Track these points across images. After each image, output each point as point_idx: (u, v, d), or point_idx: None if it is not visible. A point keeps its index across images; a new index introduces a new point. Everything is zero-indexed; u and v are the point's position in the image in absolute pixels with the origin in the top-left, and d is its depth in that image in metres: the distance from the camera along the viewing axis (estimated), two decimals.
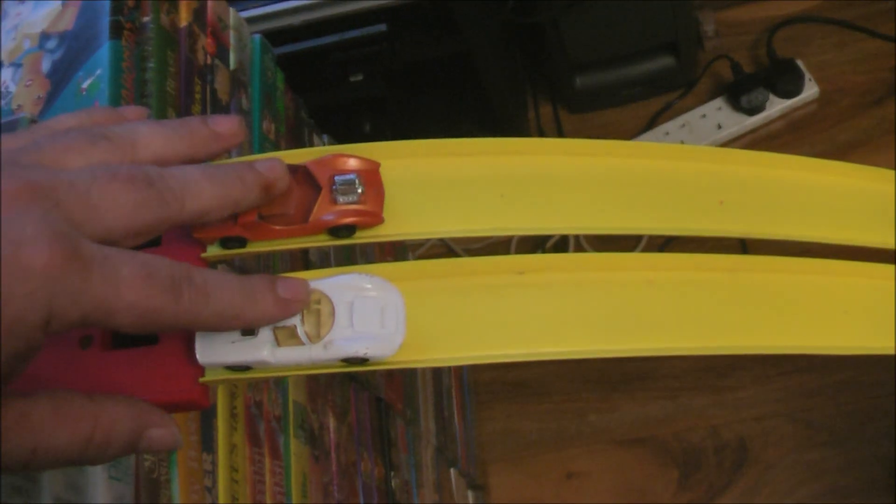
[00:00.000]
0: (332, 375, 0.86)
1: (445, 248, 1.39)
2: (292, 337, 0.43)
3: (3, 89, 0.67)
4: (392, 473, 0.96)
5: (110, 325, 0.37)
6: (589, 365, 1.34)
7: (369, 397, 0.95)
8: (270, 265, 0.76)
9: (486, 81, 1.26)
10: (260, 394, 0.71)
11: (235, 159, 0.46)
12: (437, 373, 1.20)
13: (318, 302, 0.43)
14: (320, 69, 1.13)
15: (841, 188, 0.54)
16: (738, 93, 1.34)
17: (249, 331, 0.43)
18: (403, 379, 1.06)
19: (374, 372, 0.96)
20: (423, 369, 1.14)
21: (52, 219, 0.36)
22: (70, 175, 0.38)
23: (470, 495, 1.25)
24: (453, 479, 1.19)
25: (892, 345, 0.50)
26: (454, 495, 1.18)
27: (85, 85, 0.64)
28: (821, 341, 0.49)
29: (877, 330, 0.50)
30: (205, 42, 0.74)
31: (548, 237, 1.37)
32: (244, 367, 0.43)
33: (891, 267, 0.51)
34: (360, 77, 1.16)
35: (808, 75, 1.35)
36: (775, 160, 0.53)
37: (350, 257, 0.95)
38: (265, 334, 0.43)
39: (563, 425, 1.33)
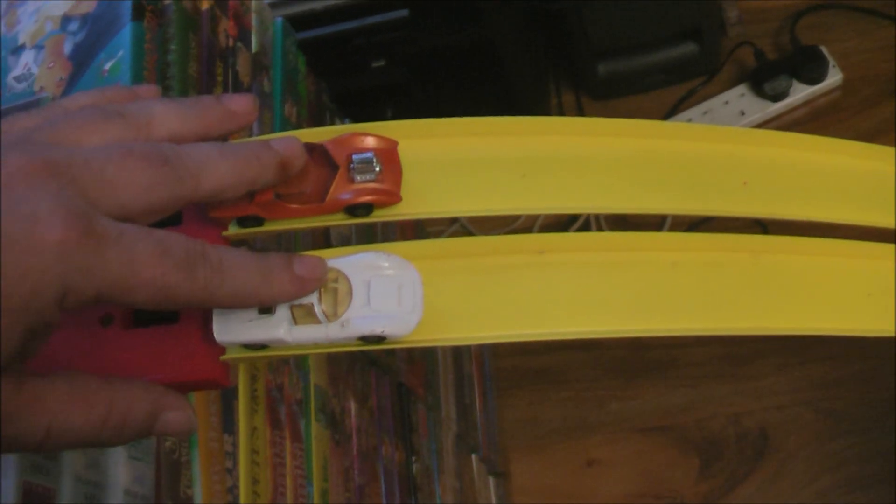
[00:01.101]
0: (353, 360, 0.86)
1: (467, 234, 1.38)
2: (309, 315, 0.43)
3: (25, 71, 0.67)
4: (413, 458, 0.96)
5: (126, 301, 0.37)
6: (610, 353, 1.34)
7: (390, 382, 0.95)
8: (291, 247, 0.76)
9: (508, 68, 1.26)
10: (281, 377, 0.71)
11: (252, 138, 0.46)
12: (459, 359, 1.20)
13: (336, 280, 0.43)
14: (342, 55, 1.13)
15: (866, 170, 0.53)
16: (762, 79, 1.34)
17: (267, 309, 0.43)
18: (425, 365, 1.06)
19: (394, 357, 0.97)
20: (444, 355, 1.14)
21: (68, 195, 0.36)
22: (85, 152, 0.38)
23: (491, 482, 1.24)
24: (474, 466, 1.19)
25: None
26: (475, 481, 1.18)
27: (107, 67, 0.64)
28: (843, 324, 0.49)
29: None
30: (227, 25, 0.74)
31: (571, 222, 1.37)
32: (261, 346, 0.43)
33: None
34: (382, 63, 1.16)
35: (832, 62, 1.34)
36: (800, 141, 0.53)
37: (371, 240, 0.95)
38: (282, 313, 0.43)
39: (584, 413, 1.33)
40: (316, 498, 0.72)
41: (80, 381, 0.39)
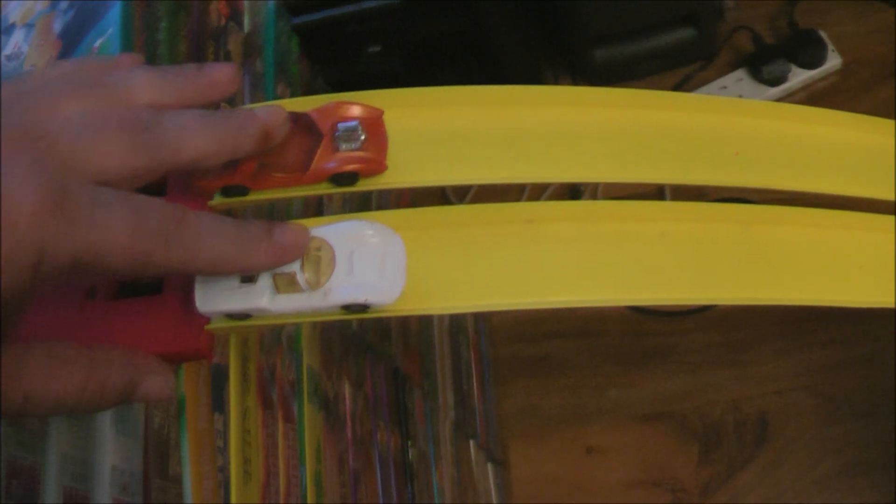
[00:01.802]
0: (348, 345, 0.85)
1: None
2: (292, 284, 0.42)
3: (15, 50, 0.66)
4: (409, 445, 0.96)
5: (102, 267, 0.37)
6: (609, 341, 1.33)
7: (386, 368, 0.95)
8: (284, 219, 0.75)
9: (503, 54, 1.25)
10: (273, 358, 0.71)
11: (236, 108, 0.46)
12: (456, 346, 1.20)
13: (319, 249, 0.43)
14: (337, 40, 1.13)
15: (857, 142, 0.53)
16: (759, 64, 1.33)
17: (249, 278, 0.43)
18: (421, 351, 1.06)
19: (390, 343, 0.96)
20: (441, 342, 1.14)
21: (44, 162, 0.36)
22: (63, 120, 0.38)
23: (490, 469, 1.24)
24: (473, 453, 1.18)
25: None
26: (473, 469, 1.17)
27: (96, 45, 0.64)
28: (834, 295, 0.48)
29: (892, 284, 0.50)
30: (219, 5, 0.73)
31: (572, 197, 1.36)
32: (244, 316, 0.43)
33: None
34: (377, 49, 1.15)
35: (830, 46, 1.33)
36: (791, 112, 0.52)
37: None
38: (265, 281, 0.42)
39: (582, 401, 1.32)
40: (308, 479, 0.72)
41: (58, 348, 0.39)
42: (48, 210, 0.35)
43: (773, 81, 1.33)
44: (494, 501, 1.24)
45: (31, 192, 0.35)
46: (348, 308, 0.42)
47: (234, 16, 0.75)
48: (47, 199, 0.35)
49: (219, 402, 0.62)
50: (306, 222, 0.44)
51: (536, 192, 1.37)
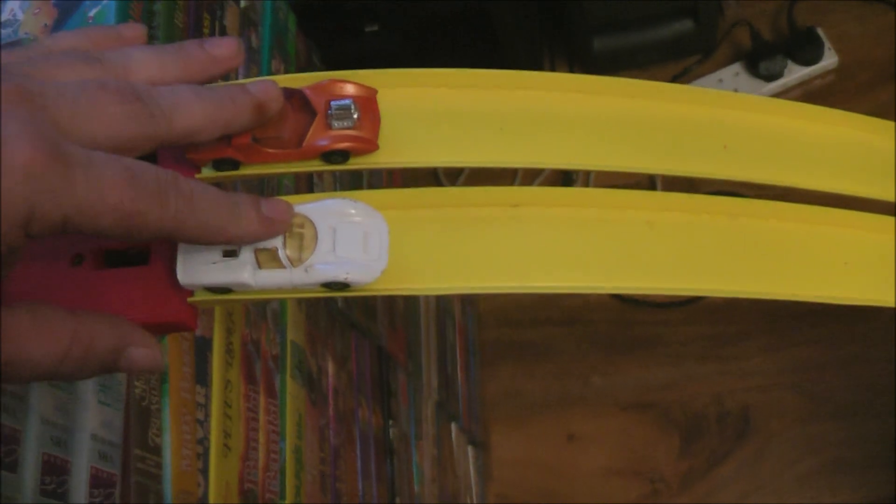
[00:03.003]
0: (333, 321, 0.86)
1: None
2: (273, 260, 0.43)
3: (10, 17, 0.66)
4: (391, 423, 0.96)
5: (92, 227, 0.37)
6: (595, 328, 1.34)
7: (371, 346, 0.95)
8: (273, 195, 0.75)
9: (502, 38, 1.25)
10: (258, 332, 0.71)
11: (230, 82, 0.46)
12: (442, 329, 1.20)
13: (302, 226, 0.43)
14: (336, 17, 1.12)
15: (845, 138, 0.53)
16: (757, 59, 1.33)
17: (231, 252, 0.43)
18: (407, 332, 1.06)
19: (375, 322, 0.96)
20: (428, 323, 1.14)
21: (38, 120, 0.36)
22: (59, 84, 0.38)
23: (470, 452, 1.24)
24: (454, 435, 1.19)
25: (892, 298, 0.49)
26: (454, 451, 1.18)
27: (92, 13, 0.64)
28: (818, 290, 0.49)
29: (876, 282, 0.50)
30: None
31: (566, 182, 1.36)
32: (225, 290, 0.43)
33: (892, 219, 0.51)
34: (375, 28, 1.15)
35: (828, 44, 1.34)
36: (780, 107, 0.52)
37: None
38: (246, 256, 0.43)
39: (566, 387, 1.33)
40: (288, 454, 0.72)
41: (43, 311, 0.39)
42: (40, 166, 0.35)
43: (770, 77, 1.33)
44: (473, 483, 1.24)
45: (24, 147, 0.34)
46: (329, 286, 0.43)
47: None
48: (39, 155, 0.35)
49: (202, 375, 0.63)
50: (289, 199, 0.44)
51: (529, 177, 1.37)
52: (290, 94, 0.45)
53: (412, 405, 1.04)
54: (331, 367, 0.84)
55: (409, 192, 0.45)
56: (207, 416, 0.63)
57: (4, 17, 0.67)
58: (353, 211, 0.44)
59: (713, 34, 1.38)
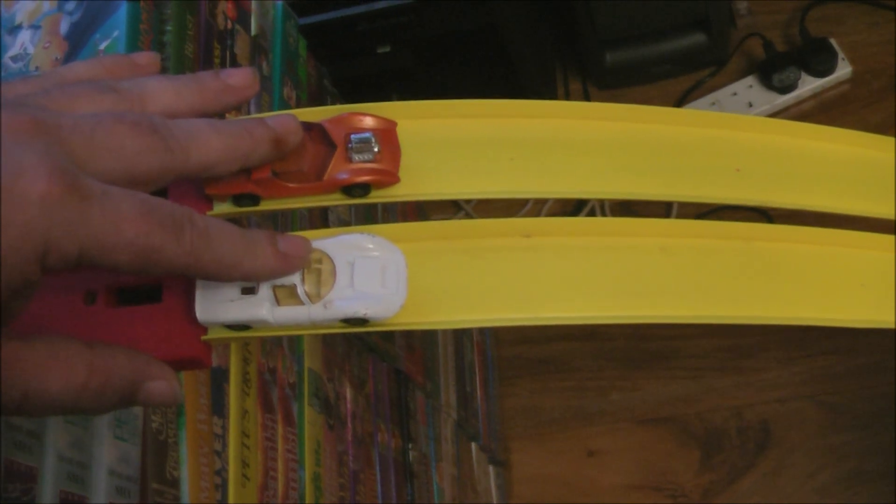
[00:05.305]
0: (350, 345, 0.86)
1: (466, 216, 1.38)
2: (292, 296, 0.42)
3: (21, 51, 0.66)
4: (410, 445, 0.96)
5: (109, 262, 0.36)
6: (612, 343, 1.34)
7: (388, 369, 0.95)
8: (288, 230, 0.76)
9: (515, 55, 1.25)
10: (274, 360, 0.71)
11: (249, 116, 0.46)
12: (460, 348, 1.20)
13: (320, 261, 0.43)
14: (346, 40, 1.13)
15: (860, 159, 0.53)
16: (770, 71, 1.33)
17: (249, 289, 0.43)
18: (424, 352, 1.06)
19: (393, 344, 0.96)
20: (445, 343, 1.14)
21: (54, 152, 0.36)
22: (75, 116, 0.38)
23: (491, 470, 1.24)
24: (474, 454, 1.19)
25: None
26: (475, 470, 1.18)
27: (102, 46, 0.64)
28: (836, 314, 0.48)
29: (894, 304, 0.49)
30: (225, 7, 0.73)
31: (577, 210, 1.36)
32: (243, 326, 0.43)
33: None
34: (387, 49, 1.15)
35: (841, 54, 1.33)
36: (793, 128, 0.52)
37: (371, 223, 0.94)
38: (265, 293, 0.42)
39: (585, 403, 1.33)
40: (307, 482, 0.72)
41: (60, 344, 0.39)
42: (57, 199, 0.34)
43: (784, 89, 1.33)
44: (494, 501, 1.24)
45: (41, 179, 0.34)
46: (348, 321, 0.42)
47: (241, 18, 0.75)
48: (56, 188, 0.34)
49: (218, 406, 0.63)
50: (306, 234, 0.44)
51: (539, 201, 1.37)
52: (310, 128, 0.45)
53: (431, 425, 1.04)
54: (348, 392, 0.84)
55: (423, 225, 0.45)
56: (225, 446, 0.63)
57: (15, 50, 0.67)
58: (370, 245, 0.43)
59: (725, 46, 1.38)
